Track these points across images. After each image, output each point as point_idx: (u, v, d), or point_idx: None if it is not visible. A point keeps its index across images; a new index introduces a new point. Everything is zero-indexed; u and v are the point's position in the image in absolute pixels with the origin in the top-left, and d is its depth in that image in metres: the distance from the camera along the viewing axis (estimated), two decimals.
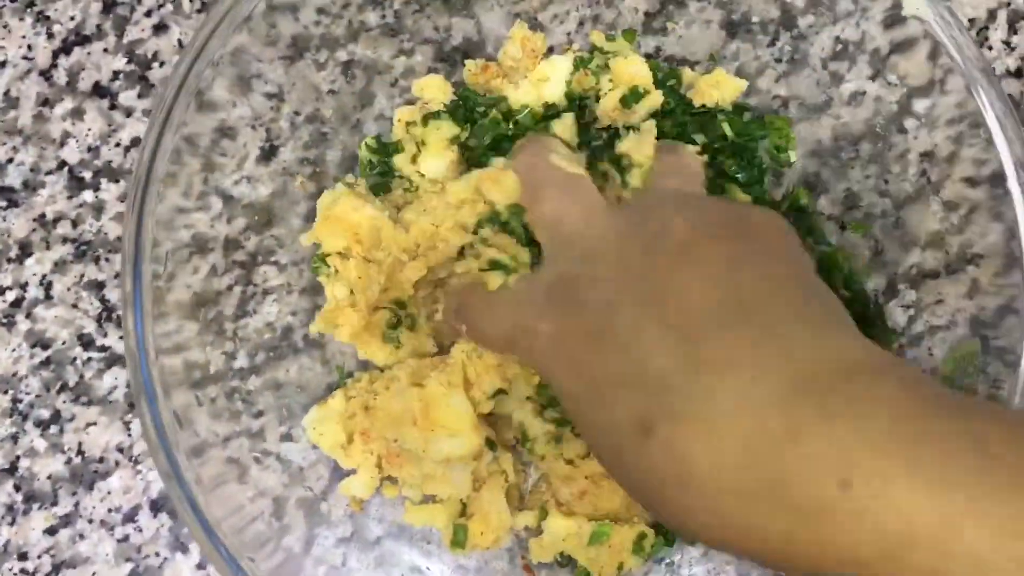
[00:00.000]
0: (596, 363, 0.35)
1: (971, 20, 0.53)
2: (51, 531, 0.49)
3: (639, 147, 0.44)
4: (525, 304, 0.40)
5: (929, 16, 0.43)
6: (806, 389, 0.30)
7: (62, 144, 0.52)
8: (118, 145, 0.52)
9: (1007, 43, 0.53)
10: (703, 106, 0.49)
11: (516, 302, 0.41)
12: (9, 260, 0.51)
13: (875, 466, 0.27)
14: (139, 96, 0.52)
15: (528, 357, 0.39)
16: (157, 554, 0.48)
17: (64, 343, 0.50)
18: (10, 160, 0.52)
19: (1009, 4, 0.53)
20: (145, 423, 0.40)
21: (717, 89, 0.49)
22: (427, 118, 0.47)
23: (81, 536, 0.48)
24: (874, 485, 0.27)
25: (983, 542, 0.26)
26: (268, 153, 0.47)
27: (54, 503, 0.49)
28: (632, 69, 0.48)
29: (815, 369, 0.31)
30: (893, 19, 0.45)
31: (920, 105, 0.46)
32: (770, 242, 0.38)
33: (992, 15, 0.53)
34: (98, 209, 0.51)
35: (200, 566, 0.48)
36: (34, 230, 0.51)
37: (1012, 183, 0.43)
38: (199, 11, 0.53)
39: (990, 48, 0.53)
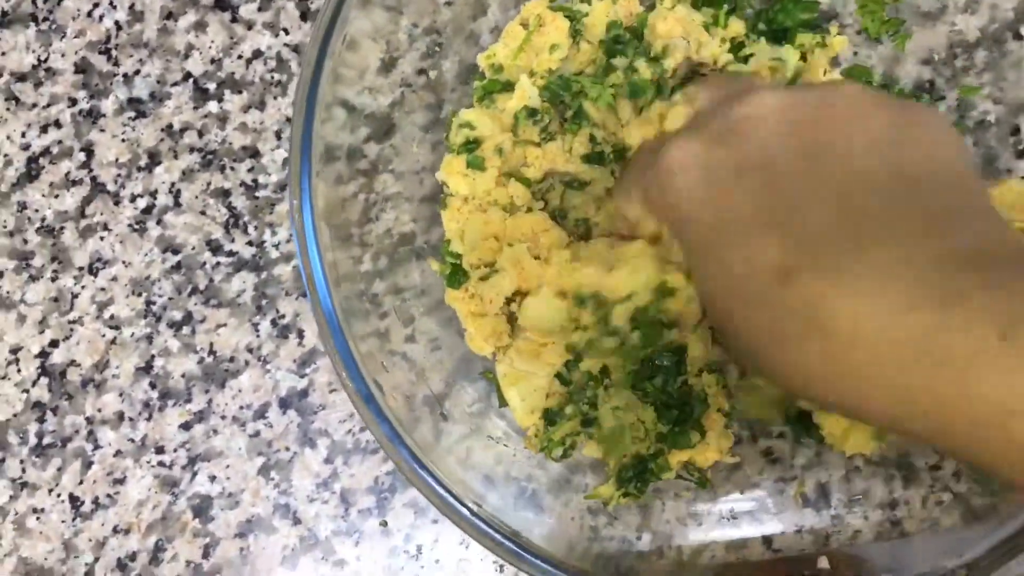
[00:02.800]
0: (746, 199, 0.36)
1: None
2: (186, 426, 0.53)
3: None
4: (686, 141, 0.39)
5: None
6: (969, 262, 0.31)
7: (186, 56, 0.56)
8: (240, 57, 0.56)
9: None
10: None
11: (677, 143, 0.40)
12: (139, 168, 0.55)
13: None
14: (259, 9, 0.56)
15: (677, 193, 0.39)
16: (287, 448, 0.53)
17: (193, 248, 0.54)
18: (137, 72, 0.56)
19: None
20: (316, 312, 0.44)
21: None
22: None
23: (215, 431, 0.53)
24: None
25: None
26: (387, 65, 0.50)
27: (188, 400, 0.53)
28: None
29: (978, 246, 0.33)
30: None
31: None
32: (933, 131, 0.38)
33: None
34: (222, 119, 0.55)
35: (327, 460, 0.53)
36: (162, 140, 0.55)
37: None
38: None
39: None
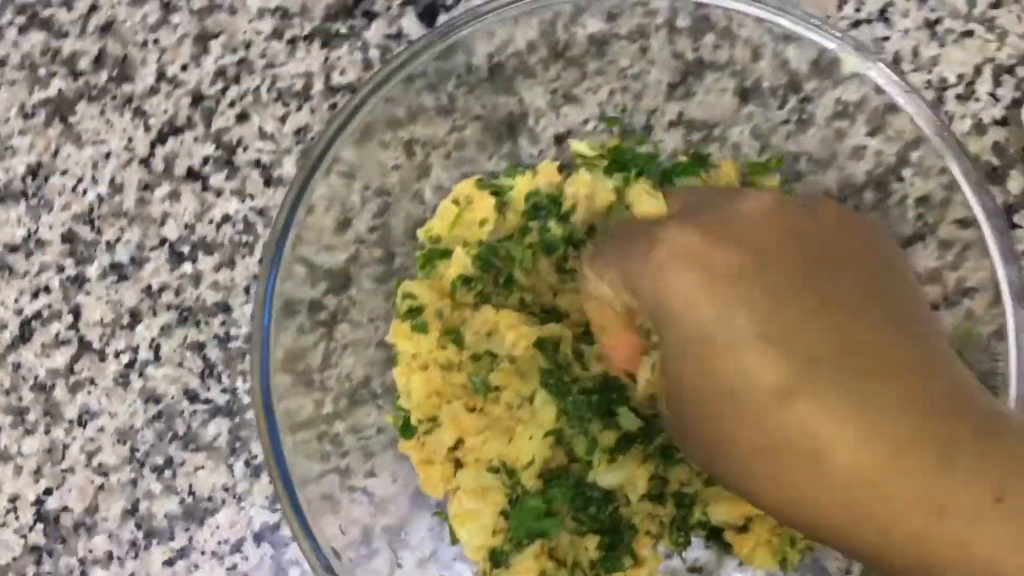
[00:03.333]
0: (744, 307, 0.34)
1: (959, 75, 0.62)
2: (169, 563, 0.59)
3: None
4: (682, 230, 0.38)
5: (867, 72, 0.52)
6: (956, 405, 0.32)
7: (162, 223, 0.63)
8: (211, 222, 0.62)
9: (992, 95, 0.62)
10: None
11: (672, 232, 0.38)
12: (122, 327, 0.61)
13: None
14: (227, 178, 0.63)
15: (669, 288, 0.37)
16: None
17: (173, 398, 0.60)
18: (118, 239, 0.62)
19: (994, 60, 0.62)
20: (268, 457, 0.50)
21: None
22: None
23: (196, 566, 0.59)
24: None
25: None
26: (343, 224, 0.57)
27: (171, 538, 0.59)
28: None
29: (959, 388, 0.33)
30: (887, 86, 0.54)
31: (914, 156, 0.55)
32: (892, 250, 0.40)
33: (978, 70, 0.62)
34: (196, 279, 0.62)
35: None
36: (142, 300, 0.62)
37: (985, 229, 0.52)
38: (275, 100, 0.64)
39: (977, 100, 0.62)
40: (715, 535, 0.53)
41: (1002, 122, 0.62)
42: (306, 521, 0.49)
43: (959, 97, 0.62)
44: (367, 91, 0.54)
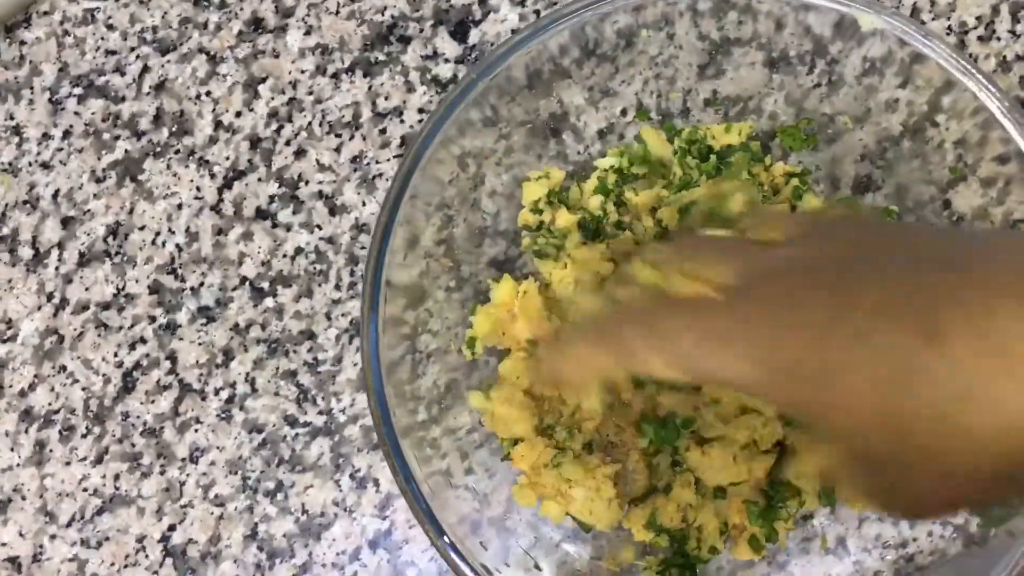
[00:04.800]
0: (844, 296, 0.34)
1: (978, 17, 0.65)
2: None
3: None
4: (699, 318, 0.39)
5: (884, 26, 0.55)
6: None
7: (240, 263, 0.67)
8: (285, 256, 0.67)
9: (1012, 31, 0.65)
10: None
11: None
12: (217, 366, 0.66)
13: None
14: (293, 213, 0.67)
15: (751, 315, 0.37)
16: None
17: (274, 425, 0.65)
18: (201, 284, 0.67)
19: None
20: (392, 464, 0.54)
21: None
22: None
23: None
24: None
25: None
26: (412, 242, 0.61)
27: (292, 556, 0.64)
28: None
29: None
30: (906, 36, 0.57)
31: (945, 101, 0.58)
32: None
33: (995, 9, 0.65)
34: (279, 311, 0.66)
35: None
36: (232, 338, 0.66)
37: None
38: (327, 133, 0.68)
39: (999, 39, 0.65)
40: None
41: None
42: (433, 514, 0.54)
43: (980, 39, 0.65)
44: (428, 129, 0.58)
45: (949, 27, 0.65)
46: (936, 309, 0.32)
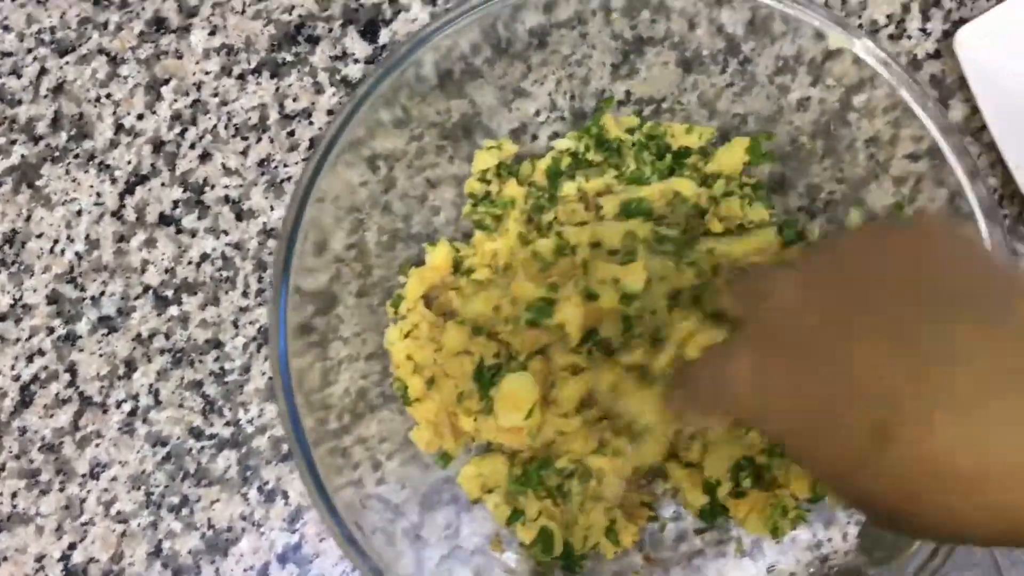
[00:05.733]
0: (810, 388, 0.36)
1: (888, 16, 0.65)
2: None
3: None
4: (731, 357, 0.41)
5: (854, 47, 0.55)
6: None
7: (143, 271, 0.65)
8: (190, 263, 0.65)
9: (923, 29, 0.65)
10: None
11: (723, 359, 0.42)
12: (119, 377, 0.64)
13: None
14: (199, 218, 0.65)
15: (741, 405, 0.40)
16: None
17: (179, 438, 0.63)
18: (103, 293, 0.65)
19: None
20: (303, 473, 0.53)
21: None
22: None
23: None
24: None
25: None
26: (321, 247, 0.59)
27: (198, 573, 0.62)
28: None
29: None
30: (819, 33, 0.57)
31: (857, 100, 0.58)
32: (938, 240, 0.40)
33: (906, 7, 0.66)
34: (184, 320, 0.64)
35: None
36: (135, 348, 0.64)
37: (945, 150, 0.55)
38: (234, 136, 0.66)
39: (909, 37, 0.65)
40: (714, 497, 0.57)
41: (935, 55, 0.65)
42: (350, 534, 0.52)
43: (891, 37, 0.66)
44: (336, 129, 0.57)
45: (860, 25, 0.66)
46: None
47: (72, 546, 0.63)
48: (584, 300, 0.55)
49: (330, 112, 0.66)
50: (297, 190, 0.55)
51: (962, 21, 0.62)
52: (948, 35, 0.64)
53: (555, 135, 0.64)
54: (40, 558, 0.63)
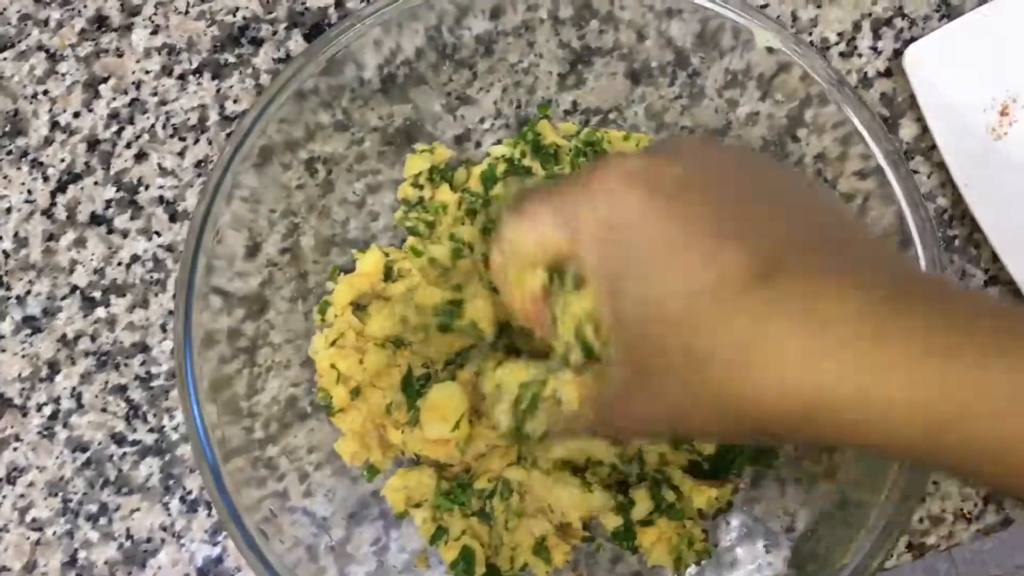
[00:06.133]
0: (699, 210, 0.36)
1: (839, 33, 0.65)
2: None
3: None
4: (626, 158, 0.39)
5: (779, 45, 0.54)
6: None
7: (71, 271, 0.63)
8: (120, 264, 0.63)
9: (874, 48, 0.64)
10: None
11: (616, 159, 0.39)
12: (41, 379, 0.62)
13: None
14: (131, 218, 0.64)
15: (615, 205, 0.37)
16: None
17: (100, 444, 0.61)
18: (28, 292, 0.63)
19: (871, 14, 0.64)
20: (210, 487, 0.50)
21: None
22: None
23: None
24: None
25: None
26: (253, 249, 0.57)
27: None
28: None
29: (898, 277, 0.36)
30: (768, 48, 0.56)
31: (806, 116, 0.57)
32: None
33: (857, 26, 0.65)
34: (111, 322, 0.62)
35: None
36: (59, 350, 0.62)
37: (889, 174, 0.54)
38: (171, 136, 0.65)
39: (860, 55, 0.64)
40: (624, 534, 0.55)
41: (886, 73, 0.64)
42: (260, 550, 0.50)
43: (842, 55, 0.65)
44: (256, 113, 0.55)
45: (811, 43, 0.65)
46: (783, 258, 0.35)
47: None
48: (490, 293, 0.53)
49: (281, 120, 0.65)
50: (209, 181, 0.54)
51: (912, 40, 0.62)
52: (899, 54, 0.63)
53: (499, 142, 0.62)
54: None
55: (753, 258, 0.34)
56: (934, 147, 0.61)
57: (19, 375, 0.62)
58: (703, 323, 0.35)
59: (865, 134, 0.54)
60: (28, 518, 0.60)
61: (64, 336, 0.63)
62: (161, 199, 0.64)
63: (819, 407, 0.33)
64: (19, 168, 0.65)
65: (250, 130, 0.54)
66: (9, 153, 0.65)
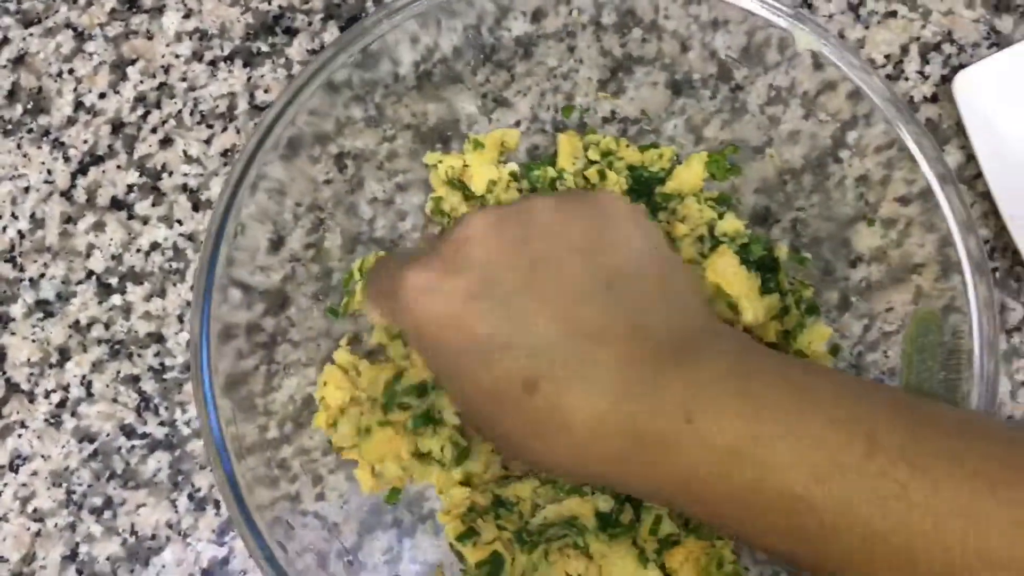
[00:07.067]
0: (482, 321, 0.41)
1: (887, 56, 0.63)
2: None
3: None
4: (422, 269, 0.43)
5: (820, 48, 0.53)
6: (668, 348, 0.40)
7: (88, 255, 0.61)
8: (139, 251, 0.61)
9: (921, 72, 0.63)
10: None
11: (414, 271, 0.44)
12: (50, 365, 0.60)
13: (712, 402, 0.38)
14: (152, 205, 0.62)
15: (419, 319, 0.43)
16: None
17: (108, 435, 0.59)
18: (43, 275, 0.61)
19: (919, 38, 0.63)
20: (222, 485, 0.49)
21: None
22: None
23: None
24: (710, 416, 0.38)
25: (788, 455, 0.36)
26: (276, 243, 0.56)
27: None
28: None
29: (671, 334, 0.41)
30: (815, 64, 0.54)
31: (850, 137, 0.56)
32: (624, 227, 0.46)
33: (905, 49, 0.63)
34: (126, 310, 0.61)
35: None
36: (71, 336, 0.60)
37: (939, 196, 0.52)
38: (199, 123, 0.63)
39: (906, 79, 0.63)
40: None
41: (932, 99, 0.63)
42: (273, 556, 0.48)
43: (889, 77, 0.63)
44: (285, 101, 0.53)
45: None
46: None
47: None
48: None
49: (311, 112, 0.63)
50: (233, 170, 0.52)
51: (961, 66, 0.60)
52: (946, 80, 0.62)
53: (535, 148, 0.61)
54: None
55: (521, 370, 0.40)
56: (978, 176, 0.59)
57: (28, 360, 0.60)
58: (495, 417, 0.42)
59: (917, 153, 0.53)
60: (29, 508, 0.59)
61: (77, 322, 0.61)
62: (185, 187, 0.63)
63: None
64: (40, 147, 0.63)
65: (278, 118, 0.52)
66: (30, 131, 0.64)
